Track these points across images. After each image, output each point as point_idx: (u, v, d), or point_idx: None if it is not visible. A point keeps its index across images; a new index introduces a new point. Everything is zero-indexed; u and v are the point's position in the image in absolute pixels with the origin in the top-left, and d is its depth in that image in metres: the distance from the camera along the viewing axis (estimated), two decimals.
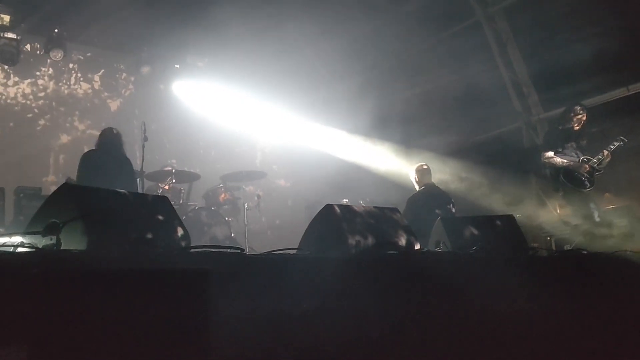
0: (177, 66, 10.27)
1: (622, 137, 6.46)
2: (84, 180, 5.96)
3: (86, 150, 6.97)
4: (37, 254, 2.45)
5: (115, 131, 6.61)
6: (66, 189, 2.81)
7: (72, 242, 2.59)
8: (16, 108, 9.00)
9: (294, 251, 3.35)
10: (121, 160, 6.40)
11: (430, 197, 6.79)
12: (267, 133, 10.52)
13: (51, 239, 2.60)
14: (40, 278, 2.09)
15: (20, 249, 2.61)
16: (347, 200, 7.86)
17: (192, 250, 2.87)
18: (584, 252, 4.71)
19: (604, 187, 7.70)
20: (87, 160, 6.30)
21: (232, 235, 7.47)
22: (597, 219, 6.33)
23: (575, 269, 4.09)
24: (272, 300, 2.44)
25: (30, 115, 9.12)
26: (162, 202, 3.13)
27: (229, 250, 2.84)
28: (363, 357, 2.50)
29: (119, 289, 2.20)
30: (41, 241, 2.63)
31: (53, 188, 5.58)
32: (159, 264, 2.52)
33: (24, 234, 2.71)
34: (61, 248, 2.57)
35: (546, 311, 3.43)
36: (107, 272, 2.27)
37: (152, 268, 2.40)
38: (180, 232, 2.95)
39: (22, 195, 6.27)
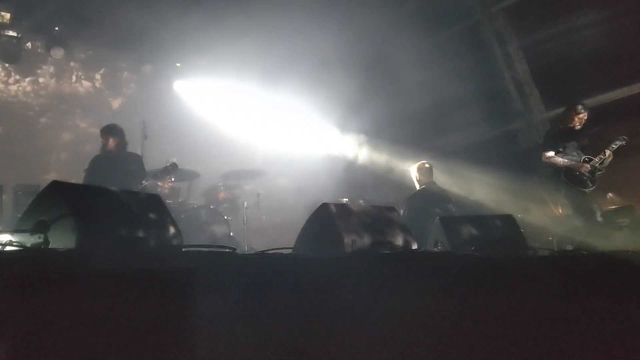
0: (178, 65, 10.22)
1: (624, 137, 6.37)
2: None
3: (87, 148, 6.95)
4: (23, 252, 2.40)
5: (114, 129, 6.52)
6: (55, 187, 2.75)
7: (61, 240, 2.54)
8: (17, 106, 8.97)
9: (289, 250, 3.30)
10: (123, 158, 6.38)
11: (430, 196, 6.73)
12: (268, 131, 10.45)
13: (39, 237, 2.55)
14: (26, 277, 2.04)
15: (8, 248, 2.56)
16: (347, 199, 7.79)
17: (183, 249, 2.82)
18: (585, 252, 4.64)
19: (605, 187, 7.61)
20: (92, 165, 6.32)
21: (231, 234, 7.40)
22: (599, 219, 6.26)
23: (576, 269, 4.01)
24: (263, 300, 2.38)
25: (31, 113, 9.08)
26: (154, 200, 3.07)
27: (221, 250, 2.78)
28: (355, 356, 2.44)
29: (106, 288, 2.15)
30: (29, 239, 2.58)
31: None
32: (148, 263, 2.46)
33: (12, 232, 2.66)
34: (49, 246, 2.53)
35: (545, 311, 3.36)
36: (95, 271, 2.21)
37: (141, 267, 2.35)
38: (172, 230, 2.89)
39: (20, 192, 6.23)
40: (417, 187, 6.94)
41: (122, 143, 6.47)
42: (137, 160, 6.51)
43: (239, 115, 10.12)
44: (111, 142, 6.37)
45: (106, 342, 2.09)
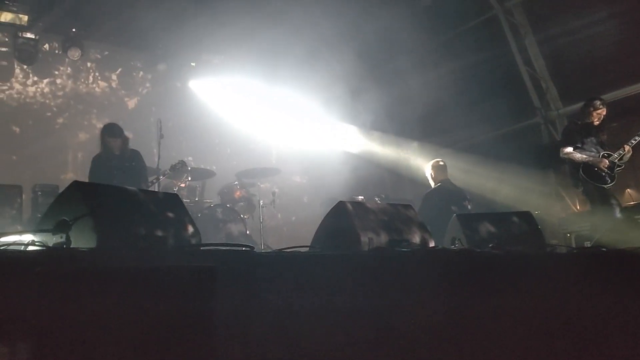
0: (193, 64, 10.29)
1: None
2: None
3: None
4: (45, 252, 2.44)
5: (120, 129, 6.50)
6: (76, 187, 2.80)
7: (82, 239, 2.58)
8: (35, 107, 9.08)
9: (306, 249, 3.31)
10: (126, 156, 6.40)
11: (446, 193, 6.71)
12: (283, 129, 10.49)
13: (61, 237, 2.59)
14: (48, 276, 2.08)
15: (30, 247, 2.61)
16: (362, 197, 7.79)
17: (201, 247, 2.84)
18: (604, 249, 4.59)
19: (625, 183, 7.53)
20: (95, 165, 6.35)
21: (248, 232, 7.44)
22: (618, 215, 6.19)
23: (595, 266, 3.98)
24: (281, 298, 2.40)
25: (49, 113, 9.19)
26: (172, 200, 3.10)
27: (239, 248, 2.81)
28: (373, 355, 2.45)
29: (126, 286, 2.18)
30: (52, 239, 2.62)
31: None
32: (168, 262, 2.49)
33: (34, 232, 2.71)
34: (71, 246, 2.57)
35: (564, 309, 3.35)
36: (115, 270, 2.25)
37: (161, 265, 2.38)
38: (190, 229, 2.93)
39: (39, 192, 6.32)
40: (432, 185, 6.92)
41: (127, 142, 6.51)
42: (138, 156, 6.54)
43: (254, 114, 10.16)
44: (121, 143, 6.37)
45: (126, 339, 2.12)
